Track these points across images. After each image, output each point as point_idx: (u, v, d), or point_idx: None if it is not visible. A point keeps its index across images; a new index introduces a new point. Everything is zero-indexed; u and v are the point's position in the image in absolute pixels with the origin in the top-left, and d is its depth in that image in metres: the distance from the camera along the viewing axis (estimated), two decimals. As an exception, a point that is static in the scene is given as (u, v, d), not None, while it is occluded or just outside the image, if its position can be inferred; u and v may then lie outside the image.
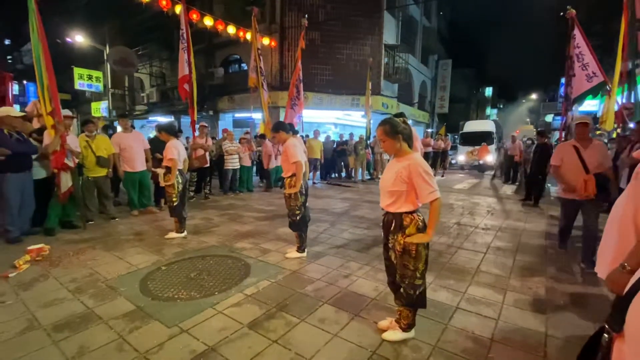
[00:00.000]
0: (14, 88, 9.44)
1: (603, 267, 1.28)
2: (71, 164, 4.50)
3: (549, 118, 27.67)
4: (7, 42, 34.35)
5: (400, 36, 16.54)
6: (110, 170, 5.30)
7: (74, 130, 5.22)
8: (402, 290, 2.11)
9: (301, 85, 8.20)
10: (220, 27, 9.76)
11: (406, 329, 2.19)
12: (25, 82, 19.68)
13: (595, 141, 3.48)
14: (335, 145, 11.48)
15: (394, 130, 2.05)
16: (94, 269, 3.35)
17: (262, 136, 8.56)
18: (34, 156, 4.32)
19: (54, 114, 4.25)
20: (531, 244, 4.32)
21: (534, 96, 37.45)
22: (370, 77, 10.92)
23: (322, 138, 11.09)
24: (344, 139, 11.56)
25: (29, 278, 3.12)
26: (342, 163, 11.81)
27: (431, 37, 21.59)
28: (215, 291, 2.90)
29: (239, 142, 8.10)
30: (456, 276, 3.27)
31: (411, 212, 2.03)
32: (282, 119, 9.55)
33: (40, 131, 4.64)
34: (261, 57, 7.94)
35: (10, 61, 29.95)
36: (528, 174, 7.21)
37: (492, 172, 12.58)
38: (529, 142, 10.03)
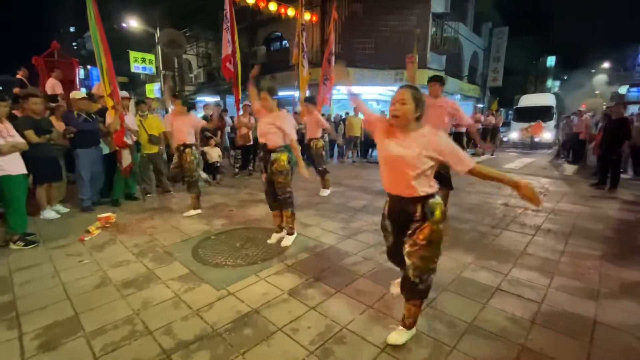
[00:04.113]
0: (80, 72, 10.37)
1: None
2: (130, 142, 4.93)
3: (622, 90, 24.45)
4: (72, 29, 37.40)
5: (450, 3, 15.32)
6: (162, 148, 5.70)
7: (132, 110, 5.64)
8: (417, 285, 1.82)
9: (333, 58, 8.00)
10: (262, 5, 9.78)
11: (412, 325, 1.99)
12: (89, 67, 21.44)
13: None
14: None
15: (421, 99, 1.76)
16: (153, 236, 3.73)
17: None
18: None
19: (113, 95, 4.64)
20: (588, 228, 4.00)
21: (605, 65, 33.09)
22: (417, 49, 10.37)
23: (362, 115, 10.90)
24: (386, 116, 11.24)
25: (100, 242, 3.57)
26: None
27: (485, 3, 19.68)
28: (259, 260, 3.10)
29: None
30: (499, 257, 3.16)
31: (434, 194, 1.79)
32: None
33: (102, 112, 5.09)
34: (304, 33, 7.83)
35: (75, 47, 32.62)
36: (600, 154, 6.29)
37: (550, 151, 11.56)
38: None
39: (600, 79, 32.36)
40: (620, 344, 1.98)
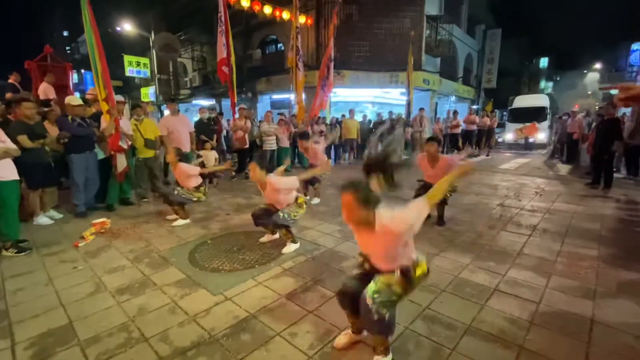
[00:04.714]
0: (74, 77, 10.31)
1: None
2: (125, 146, 4.89)
3: (615, 90, 24.70)
4: (65, 33, 37.22)
5: (443, 6, 15.43)
6: (157, 151, 5.66)
7: (127, 114, 5.60)
8: (374, 315, 1.66)
9: (332, 64, 8.02)
10: (256, 8, 9.79)
11: (387, 351, 1.83)
12: (83, 71, 21.33)
13: None
14: (372, 125, 11.27)
15: (365, 195, 1.63)
16: (148, 241, 3.69)
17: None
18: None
19: (108, 99, 4.60)
20: (583, 228, 4.03)
21: (597, 66, 33.53)
22: (412, 52, 10.44)
23: (358, 117, 10.92)
24: (382, 118, 11.27)
25: (95, 247, 3.53)
26: (380, 143, 11.56)
27: (479, 5, 19.84)
28: (256, 264, 3.08)
29: (278, 124, 8.23)
30: (496, 258, 3.16)
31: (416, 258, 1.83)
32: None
33: (96, 116, 5.04)
34: (299, 36, 7.83)
35: (69, 52, 32.39)
36: (593, 154, 6.35)
37: (545, 151, 11.65)
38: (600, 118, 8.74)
39: (593, 79, 32.73)
40: (618, 343, 1.98)
